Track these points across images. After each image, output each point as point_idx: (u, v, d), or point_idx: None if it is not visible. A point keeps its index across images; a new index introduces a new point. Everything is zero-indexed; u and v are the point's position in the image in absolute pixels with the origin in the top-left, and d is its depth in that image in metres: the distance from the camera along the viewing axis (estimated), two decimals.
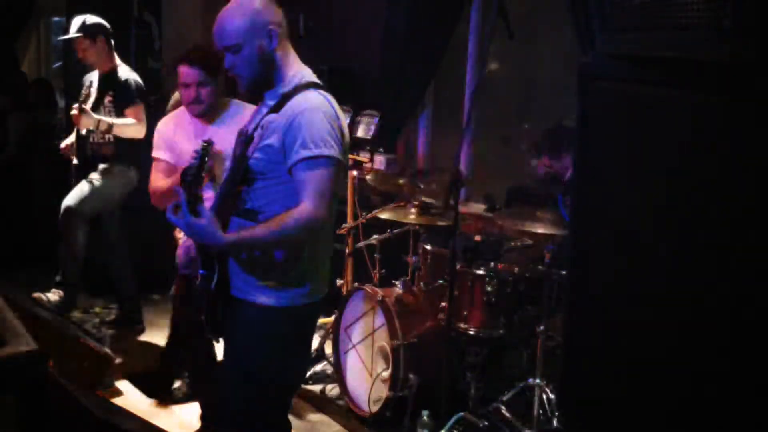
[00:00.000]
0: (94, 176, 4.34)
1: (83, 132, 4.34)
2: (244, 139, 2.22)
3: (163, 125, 3.28)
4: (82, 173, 4.38)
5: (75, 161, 4.37)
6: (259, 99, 2.29)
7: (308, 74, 2.22)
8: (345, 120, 2.24)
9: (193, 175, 2.08)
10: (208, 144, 2.11)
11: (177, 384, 3.80)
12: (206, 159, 2.12)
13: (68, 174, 4.42)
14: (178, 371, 3.72)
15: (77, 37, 4.25)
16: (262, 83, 2.19)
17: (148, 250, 4.86)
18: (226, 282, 2.21)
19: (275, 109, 2.15)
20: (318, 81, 2.23)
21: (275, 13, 2.16)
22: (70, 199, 4.28)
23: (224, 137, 2.75)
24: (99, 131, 4.23)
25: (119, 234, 4.59)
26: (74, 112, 4.15)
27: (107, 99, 4.31)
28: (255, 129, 2.17)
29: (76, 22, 4.28)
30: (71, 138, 4.40)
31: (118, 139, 4.31)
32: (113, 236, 4.56)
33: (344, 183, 4.12)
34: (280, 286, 2.17)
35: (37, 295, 4.43)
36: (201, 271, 2.20)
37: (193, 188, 2.08)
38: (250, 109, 3.06)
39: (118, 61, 4.41)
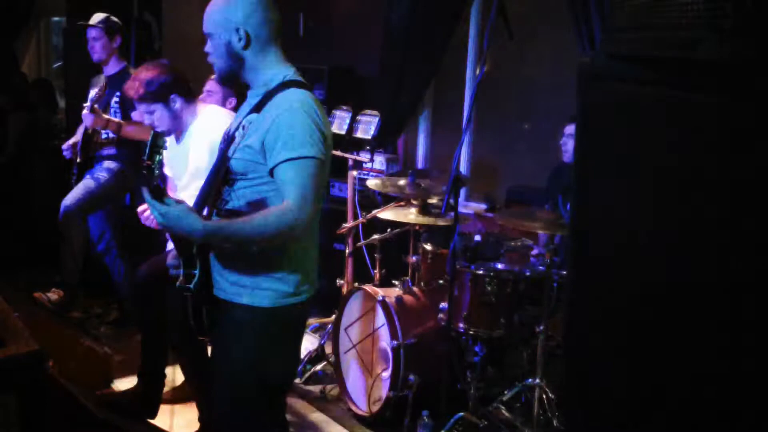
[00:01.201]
0: (95, 175, 4.35)
1: (90, 131, 4.34)
2: (226, 138, 2.21)
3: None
4: (84, 171, 4.39)
5: (78, 160, 4.38)
6: (235, 89, 2.31)
7: (291, 73, 2.20)
8: (327, 118, 2.22)
9: (145, 168, 2.06)
10: (156, 133, 2.07)
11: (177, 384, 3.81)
12: (156, 149, 2.08)
13: (69, 173, 4.42)
14: (160, 389, 3.60)
15: (96, 27, 4.27)
16: (231, 76, 2.22)
17: (148, 250, 4.85)
18: (208, 282, 2.20)
19: (256, 108, 2.13)
20: (301, 80, 2.21)
21: (254, 12, 2.15)
22: (69, 199, 4.29)
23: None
24: (109, 130, 4.24)
25: (117, 234, 4.59)
26: (85, 111, 4.15)
27: (113, 100, 4.32)
28: (236, 129, 2.16)
29: (99, 15, 4.32)
30: (76, 137, 4.41)
31: (120, 140, 4.32)
32: (111, 236, 4.56)
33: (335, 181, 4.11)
34: (263, 285, 2.16)
35: (37, 294, 4.43)
36: (181, 271, 2.16)
37: (151, 181, 2.05)
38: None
39: (125, 64, 4.43)
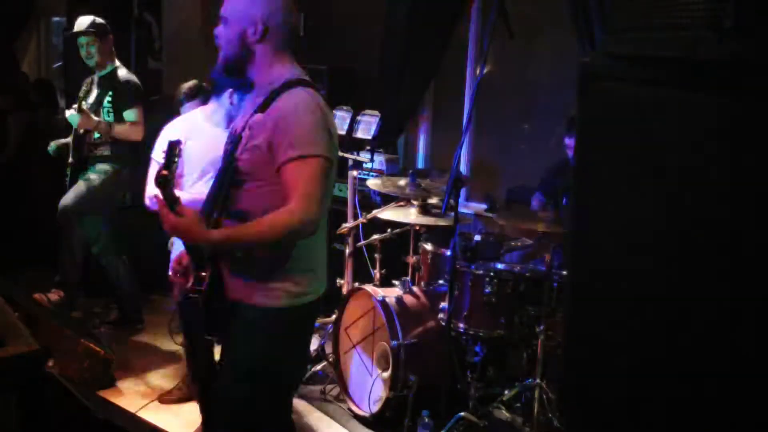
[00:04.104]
0: (91, 176, 4.35)
1: (81, 131, 4.34)
2: (233, 139, 2.21)
3: (170, 128, 3.28)
4: (78, 172, 4.38)
5: (71, 160, 4.37)
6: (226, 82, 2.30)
7: (298, 72, 2.21)
8: (333, 118, 2.22)
9: (164, 177, 2.06)
10: (176, 143, 2.09)
11: (177, 383, 3.81)
12: (175, 159, 2.09)
13: (65, 173, 4.42)
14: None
15: (88, 34, 4.26)
16: (234, 67, 2.21)
17: (148, 250, 4.86)
18: (220, 283, 2.20)
19: (262, 108, 2.13)
20: (307, 79, 2.21)
21: (277, 11, 2.16)
22: (67, 199, 4.28)
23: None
24: (98, 132, 4.24)
25: (115, 234, 4.58)
26: (72, 111, 4.14)
27: (106, 100, 4.32)
28: (243, 129, 2.16)
29: (85, 20, 4.29)
30: (69, 138, 4.40)
31: (115, 140, 4.31)
32: (109, 237, 4.55)
33: (336, 181, 4.12)
34: (274, 286, 2.16)
35: (37, 295, 4.43)
36: (195, 273, 2.18)
37: (168, 189, 2.06)
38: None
39: (118, 62, 4.42)
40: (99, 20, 4.32)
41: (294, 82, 2.15)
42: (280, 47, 2.19)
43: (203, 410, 3.34)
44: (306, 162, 2.04)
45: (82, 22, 4.29)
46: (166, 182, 2.05)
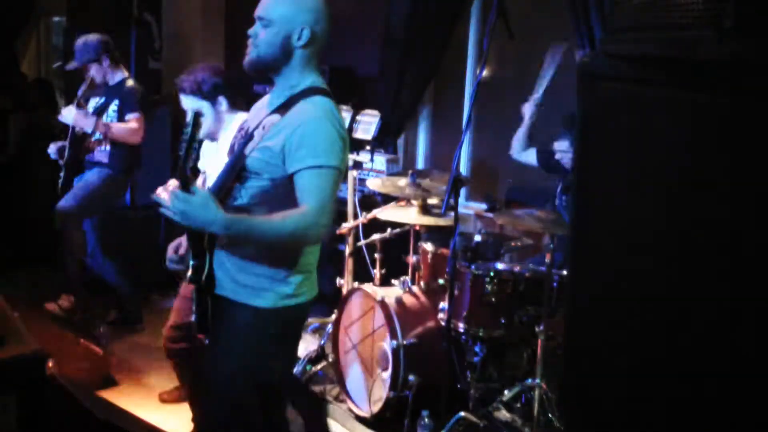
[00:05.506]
0: (88, 178, 4.34)
1: (79, 134, 4.33)
2: (245, 135, 2.21)
3: None
4: (71, 173, 4.37)
5: (65, 159, 4.35)
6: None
7: (319, 81, 2.24)
8: (346, 127, 2.25)
9: (185, 149, 2.05)
10: (197, 115, 2.08)
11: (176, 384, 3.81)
12: (197, 130, 2.08)
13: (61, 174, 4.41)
14: None
15: (83, 65, 4.25)
16: (268, 67, 2.20)
17: (148, 250, 4.86)
18: (212, 278, 2.20)
19: (280, 110, 2.14)
20: (326, 88, 2.24)
21: (322, 20, 2.19)
22: (65, 202, 4.28)
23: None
24: (97, 131, 4.23)
25: (104, 238, 4.55)
26: (69, 108, 4.13)
27: (112, 108, 4.31)
28: (256, 127, 2.17)
29: (77, 46, 4.27)
30: (65, 141, 4.40)
31: (112, 144, 4.31)
32: (96, 240, 4.53)
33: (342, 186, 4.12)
34: (265, 286, 2.17)
35: (50, 305, 4.43)
36: (192, 262, 2.18)
37: (186, 164, 2.05)
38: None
39: (124, 72, 4.41)
40: (91, 41, 4.26)
41: (315, 90, 2.17)
42: (314, 54, 2.22)
43: (194, 412, 3.34)
44: (321, 172, 2.07)
45: (76, 55, 4.26)
46: (186, 154, 2.04)
